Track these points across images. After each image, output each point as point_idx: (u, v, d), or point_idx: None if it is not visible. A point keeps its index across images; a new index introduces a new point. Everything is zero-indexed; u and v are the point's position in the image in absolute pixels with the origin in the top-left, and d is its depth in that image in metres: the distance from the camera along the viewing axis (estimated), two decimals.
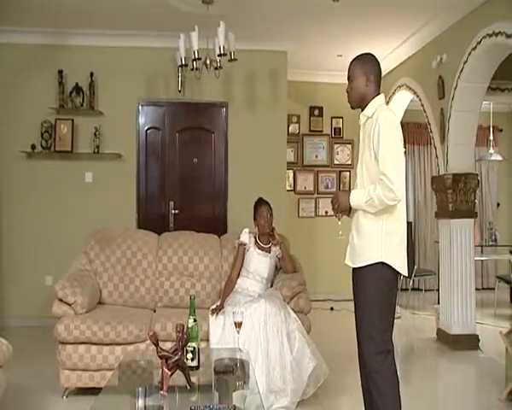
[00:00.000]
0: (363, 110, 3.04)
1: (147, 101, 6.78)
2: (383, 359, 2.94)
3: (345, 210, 2.99)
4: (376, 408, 2.94)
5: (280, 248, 4.55)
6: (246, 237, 4.53)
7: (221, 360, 3.21)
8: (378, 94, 3.04)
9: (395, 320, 3.14)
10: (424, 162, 9.49)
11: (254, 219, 4.57)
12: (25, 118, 6.50)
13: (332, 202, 3.01)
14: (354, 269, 2.99)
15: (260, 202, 4.61)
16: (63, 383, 4.08)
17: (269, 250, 4.54)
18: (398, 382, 2.95)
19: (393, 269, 2.86)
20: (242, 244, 4.52)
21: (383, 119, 2.86)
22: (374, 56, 3.12)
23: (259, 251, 4.50)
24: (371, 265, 2.86)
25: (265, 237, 4.56)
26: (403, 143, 2.94)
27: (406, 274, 2.97)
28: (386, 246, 2.85)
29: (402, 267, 2.91)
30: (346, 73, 3.08)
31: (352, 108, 3.13)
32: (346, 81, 3.09)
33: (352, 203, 2.93)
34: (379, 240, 2.87)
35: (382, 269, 2.85)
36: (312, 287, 5.66)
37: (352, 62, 3.10)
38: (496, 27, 4.87)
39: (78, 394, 4.14)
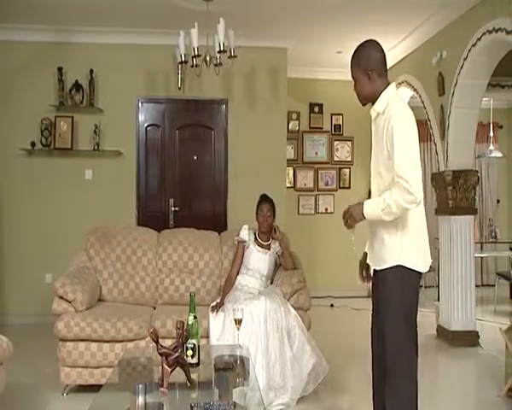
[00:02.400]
0: (373, 104, 2.89)
1: (147, 98, 6.77)
2: (406, 359, 2.79)
3: (357, 223, 2.80)
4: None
5: (280, 245, 4.55)
6: (245, 233, 4.52)
7: (221, 357, 3.22)
8: (387, 85, 2.86)
9: None
10: (424, 159, 9.46)
11: (256, 213, 4.57)
12: (24, 115, 6.49)
13: (344, 217, 2.81)
14: (375, 271, 2.90)
15: (263, 199, 4.59)
16: (63, 380, 4.08)
17: (268, 247, 4.53)
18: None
19: (414, 270, 2.75)
20: (242, 241, 4.52)
21: (396, 116, 2.69)
22: (372, 45, 2.98)
23: (259, 248, 4.50)
24: (391, 268, 2.75)
25: (265, 234, 4.55)
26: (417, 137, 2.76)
27: (428, 268, 2.83)
28: (404, 248, 2.73)
29: (423, 265, 2.79)
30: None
31: (364, 104, 3.02)
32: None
33: (366, 215, 2.73)
34: (396, 242, 2.74)
35: (401, 271, 2.73)
36: (312, 284, 5.66)
37: (352, 60, 2.98)
38: (496, 24, 4.86)
39: (79, 391, 4.15)
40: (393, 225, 2.73)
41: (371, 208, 2.72)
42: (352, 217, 2.78)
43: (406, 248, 2.73)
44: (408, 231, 2.74)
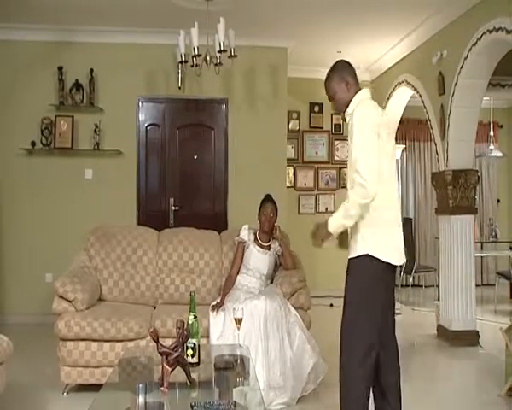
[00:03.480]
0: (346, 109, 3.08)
1: (147, 97, 6.77)
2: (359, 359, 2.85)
3: (327, 238, 2.94)
4: None
5: (280, 245, 4.55)
6: (245, 233, 4.52)
7: (221, 357, 3.22)
8: (359, 91, 3.06)
9: (395, 316, 3.12)
10: (424, 158, 9.49)
11: (259, 212, 4.57)
12: (25, 115, 6.49)
13: (312, 237, 2.97)
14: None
15: (266, 200, 4.59)
16: (63, 379, 4.09)
17: (268, 247, 4.53)
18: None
19: (381, 261, 2.83)
20: (242, 242, 4.51)
21: (357, 114, 2.87)
22: (343, 62, 3.18)
23: (259, 248, 4.50)
24: (358, 257, 2.88)
25: (266, 234, 4.55)
26: (386, 134, 2.91)
27: (400, 263, 2.92)
28: (371, 238, 2.84)
29: (393, 258, 2.87)
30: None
31: (343, 112, 3.16)
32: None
33: (332, 230, 2.87)
34: (363, 233, 2.86)
35: (368, 260, 2.84)
36: (312, 283, 5.66)
37: (326, 81, 3.17)
38: (496, 23, 4.86)
39: (79, 390, 4.15)
40: (366, 220, 2.85)
41: (334, 223, 2.87)
42: (319, 238, 2.94)
43: (373, 239, 2.84)
44: (379, 225, 2.85)
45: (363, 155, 2.78)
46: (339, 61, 3.18)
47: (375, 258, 2.83)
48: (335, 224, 2.87)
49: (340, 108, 3.14)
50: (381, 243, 2.86)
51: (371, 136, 2.82)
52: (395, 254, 2.90)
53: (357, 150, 2.80)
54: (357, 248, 2.88)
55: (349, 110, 3.03)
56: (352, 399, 2.88)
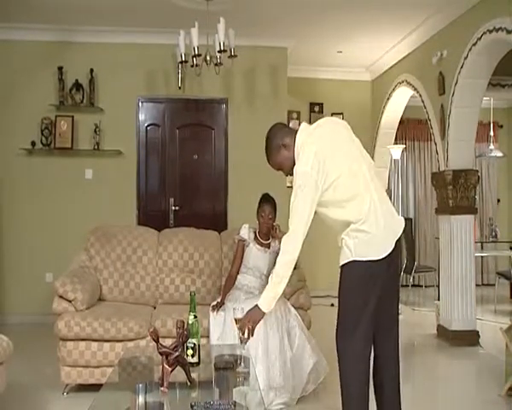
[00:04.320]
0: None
1: (147, 97, 6.77)
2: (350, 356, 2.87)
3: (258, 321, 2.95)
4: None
5: (280, 243, 4.52)
6: (245, 232, 4.51)
7: (221, 357, 3.22)
8: (295, 139, 2.98)
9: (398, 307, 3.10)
10: (424, 158, 9.49)
11: (257, 212, 4.53)
12: (25, 115, 6.49)
13: (242, 328, 2.93)
14: None
15: (265, 200, 4.53)
16: (63, 379, 4.08)
17: (268, 246, 4.52)
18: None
19: (367, 261, 2.81)
20: (241, 240, 4.50)
21: (295, 173, 2.87)
22: (268, 132, 3.10)
23: (259, 247, 4.49)
24: (345, 264, 2.87)
25: (265, 234, 4.55)
26: (342, 151, 2.98)
27: (382, 256, 2.84)
28: (354, 245, 2.82)
29: (376, 254, 2.82)
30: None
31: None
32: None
33: (263, 307, 2.91)
34: (347, 242, 2.85)
35: (354, 265, 2.83)
36: (313, 283, 5.66)
37: (268, 159, 3.11)
38: (496, 23, 4.86)
39: (79, 390, 4.15)
40: (348, 230, 2.84)
41: (265, 299, 2.92)
42: (252, 321, 2.92)
43: (359, 246, 2.81)
44: (359, 235, 2.82)
45: (293, 208, 2.88)
46: (266, 137, 3.10)
47: (360, 261, 2.83)
48: (267, 300, 2.92)
49: (290, 171, 3.05)
50: (365, 246, 2.83)
51: (309, 198, 2.83)
52: (379, 250, 2.85)
53: (293, 209, 2.89)
54: (345, 256, 2.88)
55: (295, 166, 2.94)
56: (353, 396, 2.88)
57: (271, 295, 2.93)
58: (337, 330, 2.92)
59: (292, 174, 2.97)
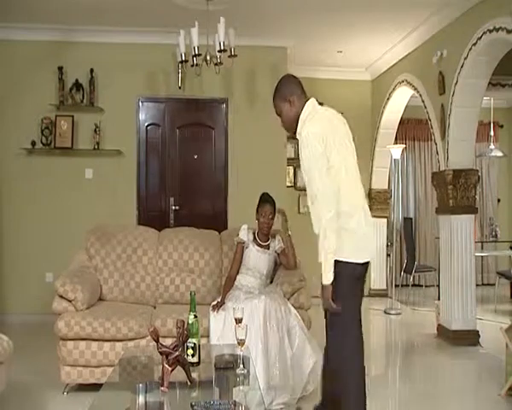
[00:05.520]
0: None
1: (147, 97, 6.78)
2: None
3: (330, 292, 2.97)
4: None
5: (282, 241, 4.52)
6: (244, 234, 4.51)
7: (221, 356, 3.22)
8: (305, 104, 3.09)
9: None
10: (425, 158, 9.49)
11: (257, 212, 4.53)
12: (25, 115, 6.50)
13: (325, 305, 3.02)
14: None
15: (265, 200, 4.52)
16: (64, 379, 4.08)
17: (267, 247, 4.53)
18: None
19: (349, 262, 2.95)
20: (241, 242, 4.50)
21: (302, 137, 2.98)
22: (287, 77, 3.26)
23: (258, 248, 4.49)
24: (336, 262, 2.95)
25: (265, 234, 4.55)
26: (340, 142, 3.05)
27: (365, 260, 3.02)
28: (341, 247, 2.92)
29: (360, 258, 2.98)
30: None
31: (293, 132, 3.19)
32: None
33: (328, 278, 2.94)
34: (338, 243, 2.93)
35: (338, 265, 2.94)
36: (312, 283, 5.65)
37: (273, 98, 3.24)
38: (496, 23, 4.86)
39: (79, 390, 4.14)
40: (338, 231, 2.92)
41: (324, 270, 2.94)
42: (328, 298, 2.97)
43: (342, 247, 2.92)
44: (344, 233, 2.93)
45: (316, 178, 2.95)
46: (282, 78, 3.24)
47: (342, 261, 2.96)
48: (326, 270, 2.94)
49: (287, 126, 3.21)
50: (347, 246, 2.95)
51: (317, 158, 2.96)
52: (358, 254, 3.01)
53: (310, 175, 2.99)
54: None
55: (298, 130, 3.07)
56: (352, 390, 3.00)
57: (327, 262, 2.93)
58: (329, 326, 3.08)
59: (287, 130, 3.22)
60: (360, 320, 3.10)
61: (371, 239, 3.10)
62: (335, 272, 2.93)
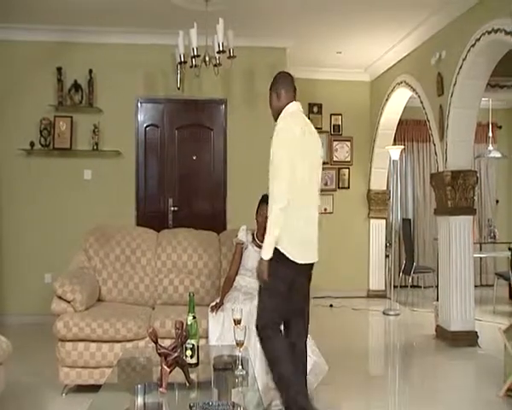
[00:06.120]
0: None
1: (146, 98, 6.77)
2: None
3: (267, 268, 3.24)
4: None
5: None
6: (243, 234, 4.51)
7: (220, 357, 3.22)
8: (290, 102, 3.38)
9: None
10: (423, 159, 9.49)
11: (256, 212, 4.54)
12: (24, 115, 6.49)
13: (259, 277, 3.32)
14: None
15: (264, 201, 4.54)
16: (62, 380, 4.08)
17: None
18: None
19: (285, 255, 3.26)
20: (240, 243, 4.50)
21: (278, 126, 3.30)
22: (283, 72, 3.56)
23: (257, 248, 4.48)
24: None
25: (263, 234, 4.54)
26: (303, 144, 3.30)
27: (302, 262, 3.32)
28: (281, 237, 3.23)
29: (296, 256, 3.29)
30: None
31: (275, 119, 3.50)
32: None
33: (266, 255, 3.22)
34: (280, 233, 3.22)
35: (276, 253, 3.24)
36: (311, 284, 5.66)
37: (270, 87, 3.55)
38: (495, 24, 4.86)
39: (78, 391, 4.14)
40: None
41: (264, 248, 3.23)
42: (263, 272, 3.26)
43: (282, 238, 3.22)
44: (285, 227, 3.21)
45: (274, 174, 3.26)
46: (280, 72, 3.55)
47: (279, 250, 3.26)
48: (266, 248, 3.22)
49: (273, 115, 3.50)
50: (286, 240, 3.25)
51: (286, 149, 3.25)
52: (300, 257, 3.32)
53: (271, 169, 3.30)
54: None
55: (278, 120, 3.39)
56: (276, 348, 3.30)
57: (268, 242, 3.22)
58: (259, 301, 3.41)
59: (273, 114, 3.52)
60: (286, 323, 3.41)
61: (308, 246, 3.41)
62: (275, 257, 3.22)
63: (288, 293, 3.33)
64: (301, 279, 3.44)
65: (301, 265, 3.34)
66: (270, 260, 3.23)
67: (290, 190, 3.22)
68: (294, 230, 3.28)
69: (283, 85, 3.41)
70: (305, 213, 3.36)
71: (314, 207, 3.42)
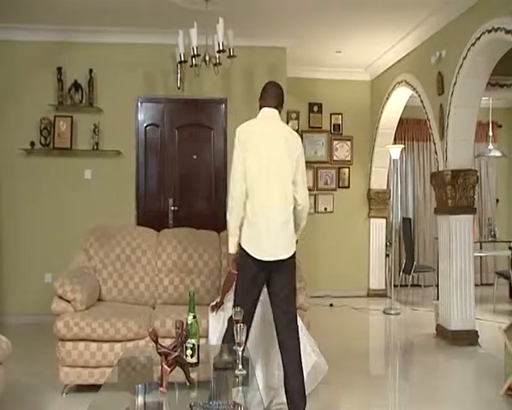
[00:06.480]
0: None
1: (146, 97, 6.77)
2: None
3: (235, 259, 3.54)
4: None
5: None
6: None
7: (220, 357, 3.21)
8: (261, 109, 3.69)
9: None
10: (423, 158, 9.49)
11: None
12: (24, 115, 6.49)
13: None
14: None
15: None
16: (62, 379, 4.08)
17: None
18: None
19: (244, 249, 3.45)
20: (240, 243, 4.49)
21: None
22: (269, 82, 3.83)
23: None
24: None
25: None
26: (251, 148, 3.45)
27: (259, 257, 3.41)
28: (242, 232, 3.46)
29: (253, 251, 3.42)
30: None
31: None
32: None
33: (232, 248, 3.51)
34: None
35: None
36: (312, 283, 5.66)
37: None
38: (495, 23, 4.86)
39: (78, 391, 4.15)
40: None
41: (229, 241, 3.51)
42: (230, 263, 3.60)
43: (243, 233, 3.46)
44: (246, 223, 3.45)
45: (232, 173, 3.48)
46: (271, 83, 3.82)
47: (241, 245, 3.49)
48: (229, 242, 3.51)
49: None
50: (245, 236, 3.46)
51: (236, 152, 3.47)
52: (256, 252, 3.43)
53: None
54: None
55: None
56: None
57: (228, 231, 3.50)
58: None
59: None
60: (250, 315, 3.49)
61: (269, 242, 3.43)
62: (239, 251, 3.47)
63: (251, 286, 3.47)
64: (267, 275, 3.48)
65: (264, 261, 3.41)
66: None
67: (247, 184, 3.43)
68: (254, 226, 3.43)
69: (263, 93, 3.70)
70: (265, 209, 3.43)
71: (277, 204, 3.45)
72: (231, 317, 3.17)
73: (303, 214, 3.61)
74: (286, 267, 3.51)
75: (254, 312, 3.55)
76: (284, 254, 3.46)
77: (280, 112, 3.69)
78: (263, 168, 3.44)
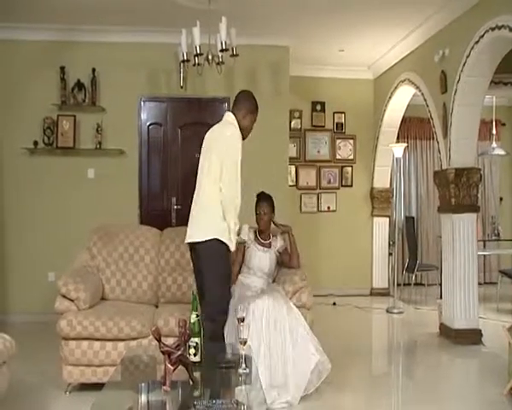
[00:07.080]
0: None
1: (149, 96, 6.78)
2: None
3: None
4: None
5: (289, 239, 4.55)
6: (245, 233, 4.52)
7: (223, 356, 3.22)
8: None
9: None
10: (427, 157, 9.48)
11: (255, 211, 4.57)
12: (27, 114, 6.50)
13: None
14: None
15: (259, 197, 4.60)
16: (66, 378, 4.09)
17: (269, 245, 4.53)
18: None
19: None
20: (241, 242, 4.50)
21: None
22: (240, 91, 4.27)
23: (259, 247, 4.50)
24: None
25: (265, 233, 4.56)
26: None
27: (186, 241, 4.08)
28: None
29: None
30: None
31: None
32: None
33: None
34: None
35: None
36: (315, 282, 5.66)
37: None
38: (499, 21, 4.85)
39: (81, 389, 4.15)
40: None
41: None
42: None
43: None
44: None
45: None
46: (251, 95, 4.28)
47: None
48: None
49: None
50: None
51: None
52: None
53: None
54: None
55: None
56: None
57: None
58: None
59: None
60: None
61: (189, 226, 4.22)
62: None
63: (195, 269, 4.02)
64: (192, 257, 4.02)
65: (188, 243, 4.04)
66: None
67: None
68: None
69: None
70: (195, 196, 4.21)
71: (202, 190, 4.20)
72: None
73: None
74: (198, 252, 4.01)
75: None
76: (192, 238, 4.09)
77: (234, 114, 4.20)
78: (201, 162, 4.41)
